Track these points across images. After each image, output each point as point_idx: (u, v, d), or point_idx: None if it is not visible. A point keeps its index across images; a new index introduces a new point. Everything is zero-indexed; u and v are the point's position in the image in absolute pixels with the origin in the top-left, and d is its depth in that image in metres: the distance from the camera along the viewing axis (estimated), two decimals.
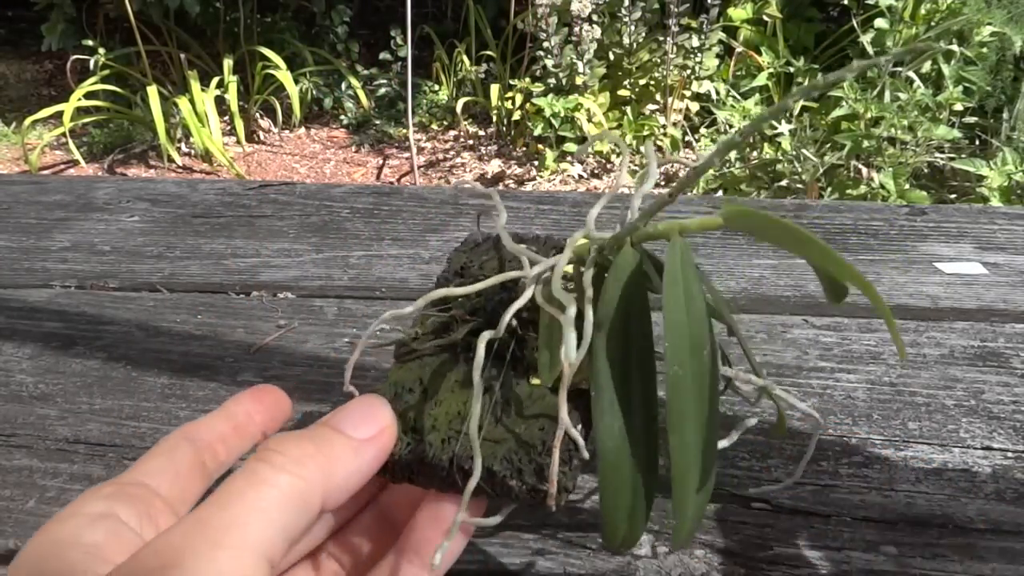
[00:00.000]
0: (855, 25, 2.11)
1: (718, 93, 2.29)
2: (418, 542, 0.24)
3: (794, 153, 1.90)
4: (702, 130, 2.31)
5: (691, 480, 0.24)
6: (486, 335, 0.25)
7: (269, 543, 0.20)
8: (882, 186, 1.74)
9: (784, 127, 2.01)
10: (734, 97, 2.24)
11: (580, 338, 0.23)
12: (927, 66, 1.97)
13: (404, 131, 2.50)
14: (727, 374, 0.29)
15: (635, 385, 0.25)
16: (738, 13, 2.33)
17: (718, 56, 2.28)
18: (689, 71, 2.22)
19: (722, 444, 0.28)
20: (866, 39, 2.06)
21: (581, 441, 0.24)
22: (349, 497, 0.23)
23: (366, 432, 0.23)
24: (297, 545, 0.25)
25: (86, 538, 0.21)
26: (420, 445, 0.25)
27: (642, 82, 2.25)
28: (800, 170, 1.88)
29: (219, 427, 0.26)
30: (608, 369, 0.24)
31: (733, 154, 2.06)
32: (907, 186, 1.74)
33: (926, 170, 1.94)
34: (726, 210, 0.23)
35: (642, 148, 2.25)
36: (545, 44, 2.16)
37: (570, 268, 0.27)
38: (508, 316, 0.25)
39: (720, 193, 1.91)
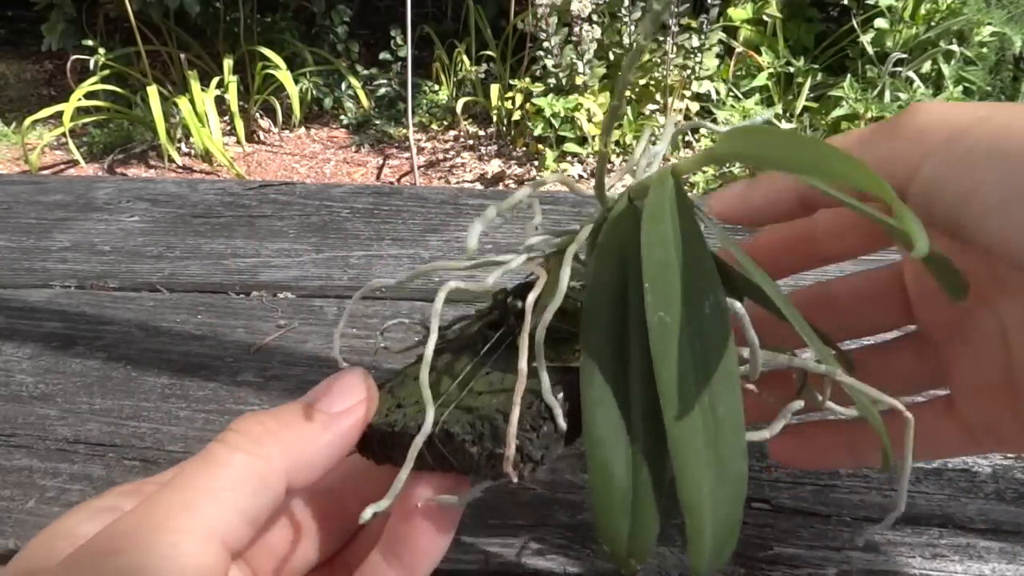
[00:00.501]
0: (855, 25, 2.11)
1: (718, 93, 2.29)
2: (393, 538, 0.22)
3: None
4: (702, 130, 2.31)
5: (701, 486, 0.19)
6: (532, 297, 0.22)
7: (224, 525, 0.19)
8: None
9: (784, 127, 2.01)
10: (734, 97, 2.24)
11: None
12: (927, 66, 1.97)
13: (404, 131, 2.50)
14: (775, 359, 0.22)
15: (634, 362, 0.21)
16: (738, 13, 2.33)
17: (718, 56, 2.28)
18: (689, 71, 2.22)
19: (757, 436, 0.21)
20: (866, 39, 2.06)
21: (557, 408, 0.21)
22: (324, 473, 0.22)
23: (339, 406, 0.22)
24: (306, 552, 0.24)
25: (81, 529, 0.20)
26: (392, 415, 0.23)
27: (642, 82, 2.25)
28: None
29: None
30: (601, 339, 0.21)
31: None
32: None
33: None
34: (720, 137, 0.20)
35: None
36: (545, 44, 2.17)
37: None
38: (532, 297, 0.22)
39: None
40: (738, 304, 0.21)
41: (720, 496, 0.19)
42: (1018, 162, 0.19)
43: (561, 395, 0.22)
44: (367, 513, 0.21)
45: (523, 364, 0.21)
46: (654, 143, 0.26)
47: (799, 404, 0.23)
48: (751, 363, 0.21)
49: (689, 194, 0.22)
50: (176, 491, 0.20)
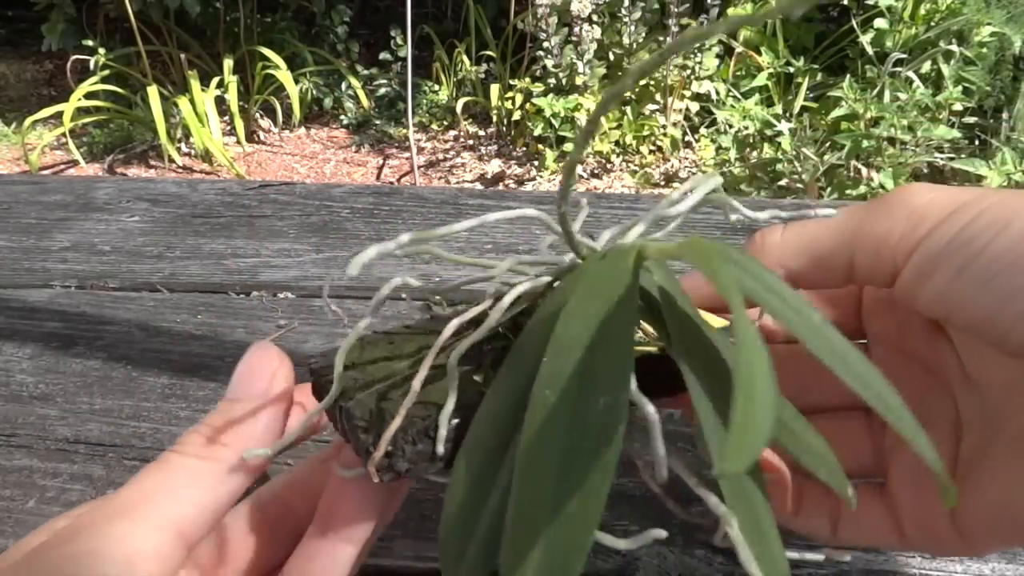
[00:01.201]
0: (855, 25, 2.11)
1: (718, 93, 2.29)
2: (324, 512, 0.23)
3: (794, 153, 1.90)
4: (702, 130, 2.31)
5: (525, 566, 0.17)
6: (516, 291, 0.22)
7: (180, 516, 0.21)
8: (882, 186, 1.74)
9: (784, 127, 2.01)
10: (734, 97, 2.24)
11: None
12: (927, 66, 1.97)
13: (404, 131, 2.50)
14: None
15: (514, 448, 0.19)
16: (738, 13, 2.33)
17: (718, 56, 2.28)
18: (689, 71, 2.22)
19: (620, 544, 0.19)
20: (866, 39, 2.06)
21: (442, 432, 0.21)
22: (285, 447, 0.23)
23: (258, 388, 0.24)
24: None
25: (58, 525, 0.21)
26: (348, 384, 0.23)
27: (642, 82, 2.25)
28: (800, 170, 1.88)
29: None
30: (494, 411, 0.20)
31: (733, 154, 2.06)
32: None
33: (926, 170, 1.94)
34: (683, 241, 0.18)
35: (642, 148, 2.25)
36: (545, 44, 2.17)
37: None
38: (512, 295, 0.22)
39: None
40: (650, 408, 0.19)
41: None
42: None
43: (456, 422, 0.21)
44: (247, 454, 0.22)
45: (416, 384, 0.21)
46: (682, 196, 0.25)
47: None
48: (656, 468, 0.19)
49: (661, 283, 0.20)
50: (134, 487, 0.21)
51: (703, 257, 0.16)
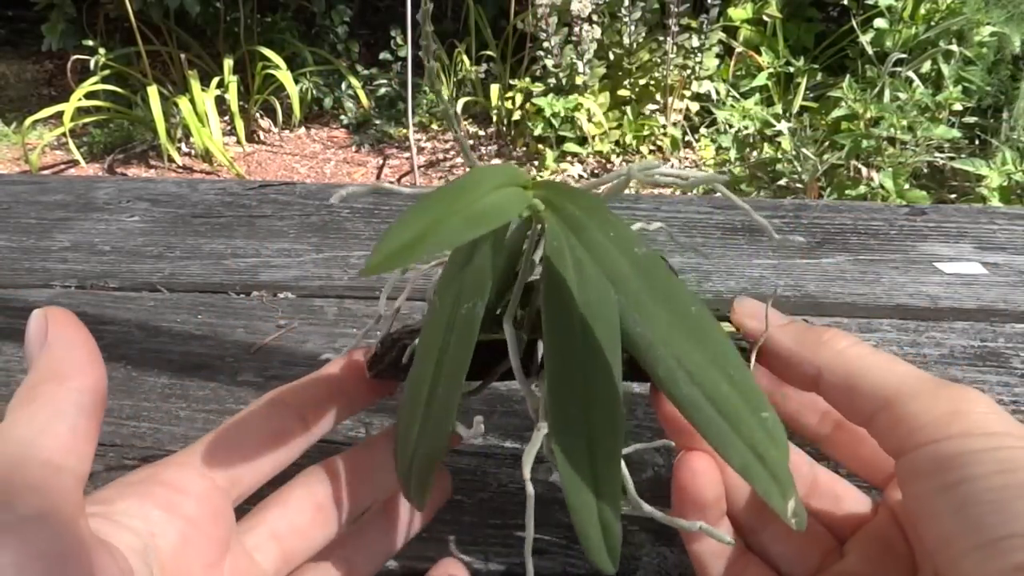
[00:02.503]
0: (855, 25, 2.11)
1: (718, 93, 2.29)
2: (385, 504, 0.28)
3: (794, 153, 1.90)
4: (702, 130, 2.31)
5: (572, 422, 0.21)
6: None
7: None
8: (882, 186, 1.74)
9: (784, 126, 2.02)
10: (734, 97, 2.24)
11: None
12: (927, 66, 1.97)
13: (404, 131, 2.50)
14: None
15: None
16: (738, 13, 2.33)
17: (718, 56, 2.28)
18: (689, 71, 2.22)
19: (464, 431, 0.24)
20: (866, 39, 2.06)
21: (410, 349, 0.26)
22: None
23: (37, 343, 0.25)
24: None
25: None
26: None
27: (642, 82, 2.25)
28: (800, 170, 1.88)
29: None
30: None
31: (733, 154, 2.07)
32: (907, 186, 1.74)
33: (926, 170, 1.94)
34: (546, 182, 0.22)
35: (642, 148, 2.25)
36: (545, 44, 2.17)
37: None
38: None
39: (665, 165, 1.90)
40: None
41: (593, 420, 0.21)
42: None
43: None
44: (323, 356, 0.27)
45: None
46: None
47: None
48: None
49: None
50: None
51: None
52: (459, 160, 2.41)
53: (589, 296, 0.20)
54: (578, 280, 0.20)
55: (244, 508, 0.25)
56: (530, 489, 0.20)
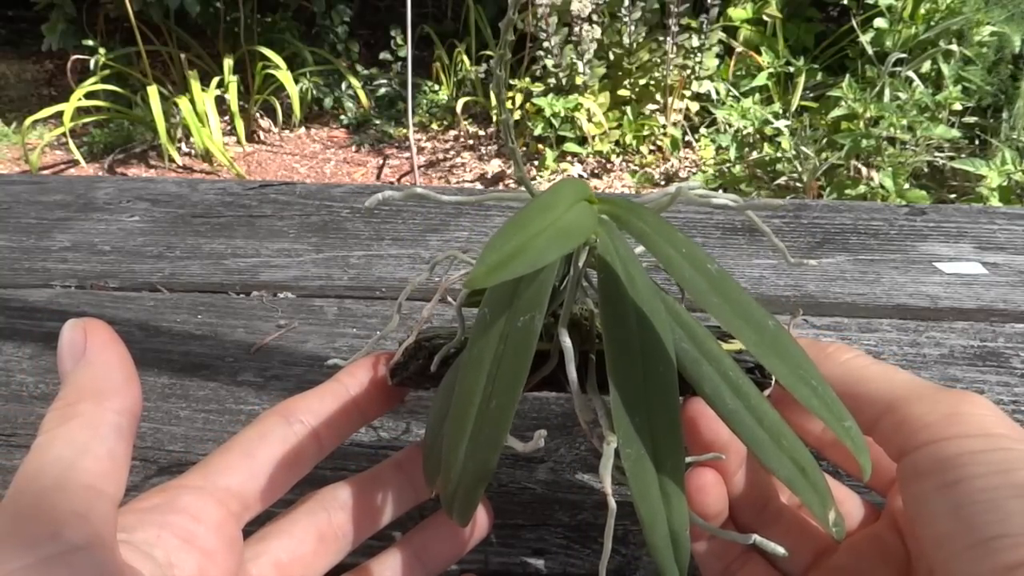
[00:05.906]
0: (855, 25, 2.11)
1: (718, 93, 2.29)
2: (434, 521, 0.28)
3: (793, 152, 1.90)
4: (702, 130, 2.31)
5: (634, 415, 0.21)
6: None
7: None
8: (882, 186, 1.74)
9: (783, 126, 2.02)
10: (734, 97, 2.24)
11: None
12: (927, 66, 1.97)
13: (404, 131, 2.50)
14: None
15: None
16: (738, 13, 2.33)
17: (718, 56, 2.28)
18: (689, 71, 2.22)
19: (519, 447, 0.21)
20: (866, 39, 2.06)
21: (439, 356, 0.26)
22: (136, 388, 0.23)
23: (72, 357, 0.24)
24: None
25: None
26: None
27: (642, 82, 2.25)
28: (799, 169, 1.88)
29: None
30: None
31: (732, 154, 2.06)
32: (907, 186, 1.74)
33: (926, 170, 1.94)
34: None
35: (642, 148, 2.25)
36: (545, 44, 2.17)
37: None
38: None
39: (720, 192, 1.90)
40: (566, 341, 0.23)
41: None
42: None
43: (455, 351, 0.27)
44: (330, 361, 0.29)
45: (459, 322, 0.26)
46: None
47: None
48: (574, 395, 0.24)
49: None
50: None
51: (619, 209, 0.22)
52: (459, 160, 2.41)
53: (648, 308, 0.22)
54: (636, 294, 0.22)
55: (247, 530, 0.25)
56: (612, 504, 0.20)
